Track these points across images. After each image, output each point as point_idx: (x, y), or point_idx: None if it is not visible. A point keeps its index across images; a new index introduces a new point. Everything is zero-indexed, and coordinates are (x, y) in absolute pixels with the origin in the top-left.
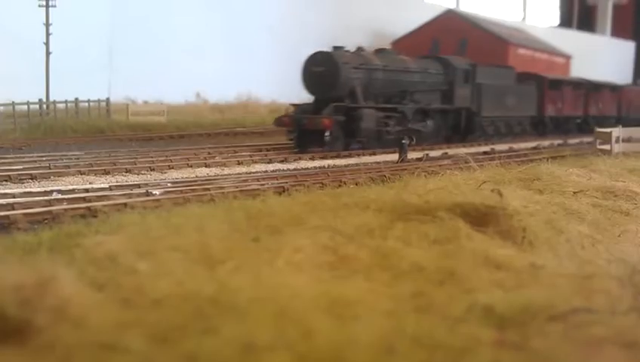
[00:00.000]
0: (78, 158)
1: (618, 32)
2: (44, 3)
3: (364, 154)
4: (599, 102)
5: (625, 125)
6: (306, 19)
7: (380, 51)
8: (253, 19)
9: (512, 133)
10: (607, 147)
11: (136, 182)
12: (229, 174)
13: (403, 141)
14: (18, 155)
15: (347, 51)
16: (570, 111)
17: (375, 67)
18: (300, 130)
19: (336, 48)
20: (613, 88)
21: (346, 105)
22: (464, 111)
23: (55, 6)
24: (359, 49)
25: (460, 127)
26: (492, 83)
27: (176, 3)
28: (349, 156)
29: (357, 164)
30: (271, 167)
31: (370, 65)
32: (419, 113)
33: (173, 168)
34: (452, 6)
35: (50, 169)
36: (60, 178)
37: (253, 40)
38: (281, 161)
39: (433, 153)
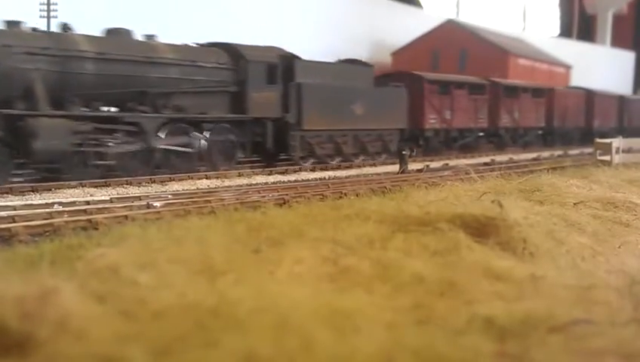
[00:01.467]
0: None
1: (618, 42)
2: (45, 14)
3: (364, 166)
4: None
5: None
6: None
7: (111, 32)
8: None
9: (367, 152)
10: (607, 158)
11: (136, 194)
12: (230, 186)
13: (404, 152)
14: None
15: (27, 29)
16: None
17: (79, 54)
18: None
19: (9, 24)
20: (537, 91)
21: (9, 113)
22: (270, 123)
23: (57, 17)
24: (65, 27)
25: (267, 144)
26: (324, 84)
27: None
28: (350, 168)
29: (357, 176)
30: (271, 178)
31: (68, 51)
32: (177, 126)
33: (173, 180)
34: (452, 16)
35: (50, 181)
36: (60, 190)
37: None
38: (282, 173)
39: (434, 164)
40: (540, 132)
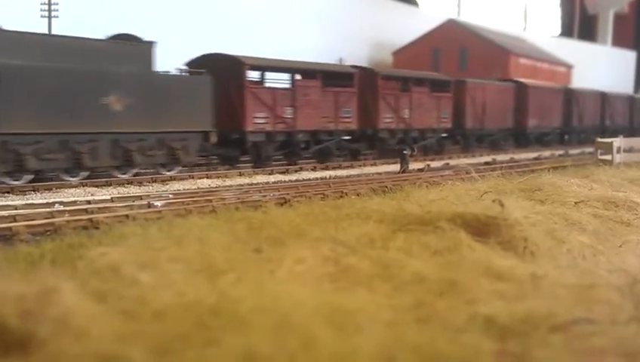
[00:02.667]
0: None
1: (619, 41)
2: (46, 14)
3: (365, 165)
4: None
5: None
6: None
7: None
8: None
9: (138, 164)
10: (608, 157)
11: (137, 194)
12: (231, 185)
13: (404, 151)
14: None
15: None
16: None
17: None
18: None
19: None
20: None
21: None
22: None
23: (57, 17)
24: None
25: None
26: (39, 67)
27: None
28: (351, 167)
29: (358, 175)
30: (272, 178)
31: None
32: None
33: (174, 179)
34: (453, 16)
35: (52, 180)
36: (61, 189)
37: None
38: (283, 173)
39: (435, 164)
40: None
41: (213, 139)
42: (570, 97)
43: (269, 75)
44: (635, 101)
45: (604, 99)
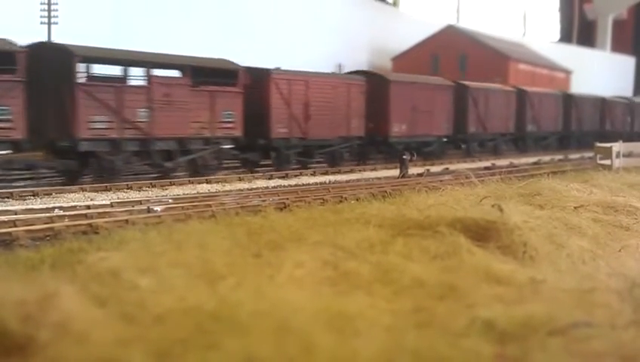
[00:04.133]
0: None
1: (618, 47)
2: (46, 20)
3: (365, 170)
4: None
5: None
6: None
7: None
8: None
9: None
10: (607, 162)
11: (137, 199)
12: (230, 190)
13: (404, 156)
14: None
15: None
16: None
17: None
18: None
19: None
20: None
21: None
22: None
23: (57, 23)
24: None
25: None
26: None
27: None
28: (351, 172)
29: (358, 180)
30: (272, 183)
31: None
32: None
33: (174, 184)
34: (452, 22)
35: (52, 186)
36: (61, 194)
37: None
38: (283, 177)
39: (434, 168)
40: (446, 139)
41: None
42: (570, 103)
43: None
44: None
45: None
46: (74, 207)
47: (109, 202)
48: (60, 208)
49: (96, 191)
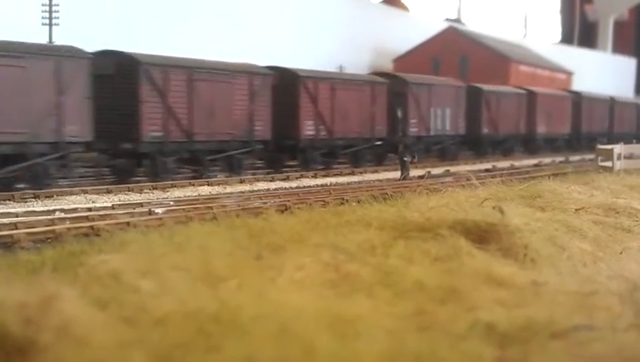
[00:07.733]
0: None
1: (619, 48)
2: (47, 21)
3: (366, 172)
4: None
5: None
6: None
7: None
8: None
9: None
10: (608, 164)
11: (138, 201)
12: (232, 193)
13: (405, 158)
14: None
15: None
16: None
17: None
18: None
19: None
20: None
21: None
22: None
23: (59, 24)
24: None
25: None
26: None
27: None
28: (352, 174)
29: (359, 182)
30: (273, 185)
31: None
32: None
33: (175, 186)
34: (453, 23)
35: (52, 187)
36: (62, 197)
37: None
38: (284, 179)
39: (435, 171)
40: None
41: None
42: (580, 103)
43: None
44: None
45: (612, 105)
46: (75, 210)
47: (110, 204)
48: (62, 210)
49: (98, 193)
